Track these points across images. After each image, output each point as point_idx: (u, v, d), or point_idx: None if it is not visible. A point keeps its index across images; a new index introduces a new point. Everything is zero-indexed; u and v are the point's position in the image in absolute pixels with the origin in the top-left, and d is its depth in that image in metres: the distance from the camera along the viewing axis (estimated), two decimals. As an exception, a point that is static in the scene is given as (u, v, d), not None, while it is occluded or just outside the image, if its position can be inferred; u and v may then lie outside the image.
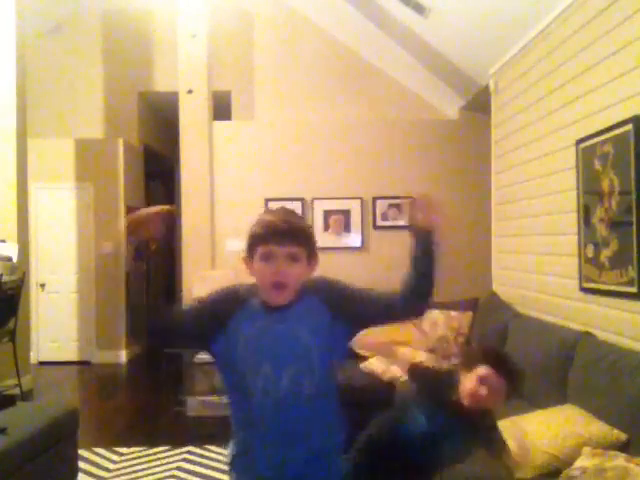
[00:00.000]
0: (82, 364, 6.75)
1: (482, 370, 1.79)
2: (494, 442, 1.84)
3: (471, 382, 1.79)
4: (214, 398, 4.69)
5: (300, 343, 1.42)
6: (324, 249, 5.68)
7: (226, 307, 1.46)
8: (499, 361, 1.83)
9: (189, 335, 1.53)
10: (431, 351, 4.25)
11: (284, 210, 1.47)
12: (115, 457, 3.84)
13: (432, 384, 1.91)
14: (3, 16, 5.33)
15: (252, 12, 6.39)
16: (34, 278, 6.50)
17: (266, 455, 1.45)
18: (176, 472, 3.58)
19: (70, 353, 6.81)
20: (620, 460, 1.92)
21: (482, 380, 1.78)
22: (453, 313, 4.49)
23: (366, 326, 1.56)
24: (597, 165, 2.94)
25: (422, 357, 4.05)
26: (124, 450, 3.94)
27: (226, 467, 3.54)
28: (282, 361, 1.41)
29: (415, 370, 2.01)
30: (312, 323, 1.44)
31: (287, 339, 1.42)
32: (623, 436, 2.24)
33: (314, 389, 1.42)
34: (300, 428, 1.43)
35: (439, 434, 1.76)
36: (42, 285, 6.77)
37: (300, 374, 1.41)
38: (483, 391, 1.76)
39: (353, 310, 1.47)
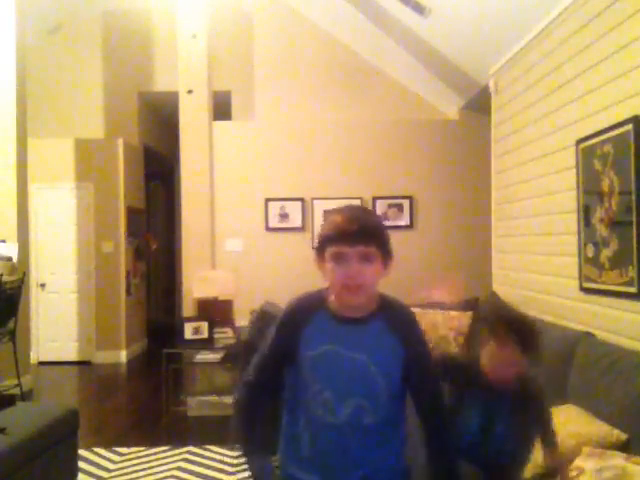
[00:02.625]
0: (82, 364, 6.75)
1: (489, 349, 1.74)
2: (547, 426, 1.77)
3: (484, 361, 1.75)
4: (214, 398, 4.69)
5: (367, 376, 1.34)
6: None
7: (294, 331, 1.38)
8: (506, 328, 1.73)
9: (279, 376, 1.44)
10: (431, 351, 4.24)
11: (354, 208, 1.39)
12: (115, 457, 3.84)
13: (464, 374, 1.82)
14: (3, 16, 5.33)
15: (252, 12, 6.39)
16: (34, 278, 6.50)
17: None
18: (176, 472, 3.58)
19: (70, 353, 6.81)
20: (619, 459, 1.92)
21: (492, 358, 1.73)
22: (453, 313, 4.48)
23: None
24: (597, 165, 2.94)
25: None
26: (124, 450, 3.95)
27: (227, 467, 3.52)
28: (345, 391, 1.34)
29: (445, 361, 1.87)
30: (384, 354, 1.35)
31: (354, 369, 1.34)
32: (623, 436, 2.24)
33: (376, 421, 1.35)
34: (354, 457, 1.35)
35: (490, 419, 1.73)
36: (42, 285, 6.77)
37: (362, 407, 1.34)
38: (499, 368, 1.71)
39: (417, 380, 1.40)
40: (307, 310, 1.40)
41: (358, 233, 1.29)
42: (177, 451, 3.91)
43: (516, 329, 1.72)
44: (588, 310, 3.07)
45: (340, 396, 1.34)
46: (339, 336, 1.36)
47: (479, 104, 5.27)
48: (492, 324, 1.77)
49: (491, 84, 4.64)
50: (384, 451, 1.39)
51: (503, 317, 1.80)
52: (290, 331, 1.40)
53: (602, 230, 2.89)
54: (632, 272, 2.62)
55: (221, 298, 5.02)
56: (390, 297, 1.44)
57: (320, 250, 1.35)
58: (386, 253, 1.35)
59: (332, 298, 1.38)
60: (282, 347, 1.41)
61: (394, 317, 1.39)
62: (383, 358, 1.35)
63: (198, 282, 5.14)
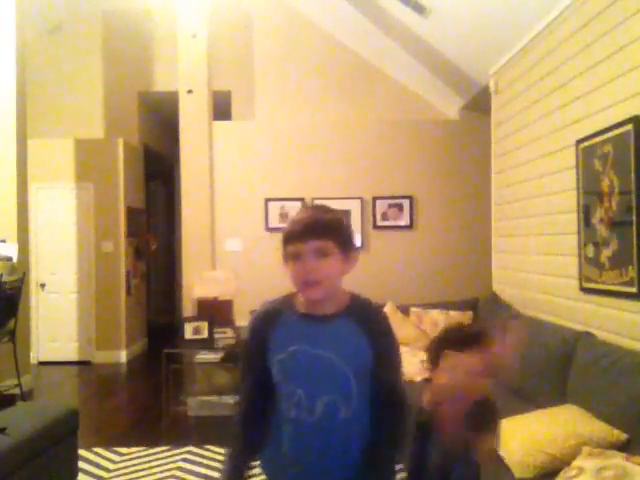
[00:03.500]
0: (82, 364, 6.75)
1: (445, 356, 1.44)
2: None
3: (440, 379, 1.44)
4: (214, 398, 4.69)
5: (337, 372, 1.36)
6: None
7: (262, 336, 1.42)
8: (455, 337, 1.47)
9: (269, 382, 1.45)
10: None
11: (310, 207, 1.44)
12: (115, 457, 3.84)
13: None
14: (3, 16, 5.33)
15: (252, 12, 6.39)
16: (34, 278, 6.50)
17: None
18: (176, 472, 3.58)
19: (70, 353, 6.81)
20: (618, 459, 1.92)
21: (448, 369, 1.43)
22: (453, 313, 4.49)
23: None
24: (597, 165, 2.94)
25: (422, 357, 4.05)
26: (124, 450, 3.94)
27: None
28: (317, 389, 1.37)
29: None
30: (352, 350, 1.37)
31: (324, 366, 1.36)
32: (623, 436, 2.24)
33: (350, 415, 1.37)
34: (334, 453, 1.38)
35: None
36: (42, 285, 6.77)
37: (336, 402, 1.37)
38: (458, 378, 1.41)
39: (378, 365, 1.40)
40: (272, 316, 1.44)
41: (310, 229, 1.33)
42: (177, 451, 3.91)
43: (469, 337, 1.46)
44: (588, 310, 3.07)
45: (313, 394, 1.36)
46: (307, 335, 1.38)
47: (479, 104, 5.27)
48: (446, 341, 1.48)
49: (491, 84, 4.64)
50: (358, 447, 1.40)
51: (454, 330, 1.54)
52: (258, 341, 1.43)
53: (602, 230, 2.89)
54: (632, 272, 2.62)
55: (221, 298, 5.02)
56: (361, 296, 1.46)
57: (284, 253, 1.38)
58: (346, 248, 1.37)
59: (299, 299, 1.42)
60: (256, 360, 1.44)
61: (362, 314, 1.41)
62: (351, 354, 1.37)
63: (198, 282, 5.14)
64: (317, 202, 5.79)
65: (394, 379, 1.46)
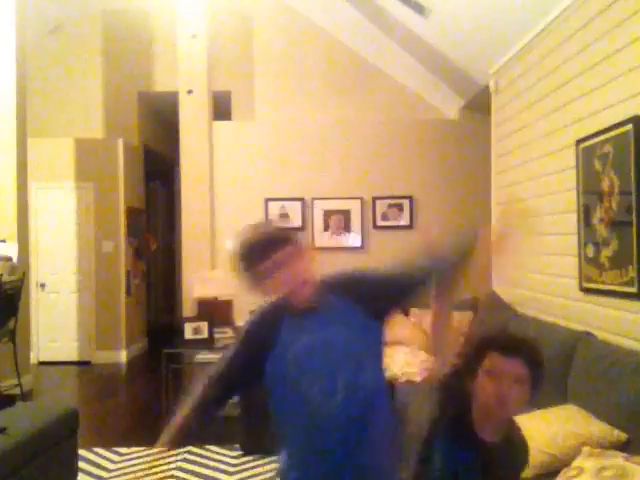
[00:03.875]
0: (82, 364, 6.75)
1: (491, 358, 1.40)
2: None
3: (482, 385, 1.39)
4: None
5: (345, 351, 1.44)
6: (324, 249, 5.74)
7: (269, 331, 1.49)
8: (506, 344, 1.42)
9: (245, 379, 1.56)
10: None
11: (248, 232, 1.50)
12: (115, 457, 3.84)
13: (456, 406, 1.48)
14: (3, 16, 5.33)
15: (252, 12, 6.39)
16: (34, 278, 6.50)
17: (326, 459, 1.44)
18: (176, 472, 3.58)
19: (70, 353, 6.81)
20: (618, 459, 1.92)
21: (491, 373, 1.39)
22: (453, 313, 4.48)
23: (392, 309, 1.56)
24: (597, 165, 2.94)
25: (422, 357, 4.05)
26: (124, 450, 3.94)
27: (227, 468, 3.53)
28: (334, 372, 1.43)
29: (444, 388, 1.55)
30: (348, 323, 1.46)
31: (332, 347, 1.44)
32: (623, 436, 2.24)
33: (369, 386, 1.44)
34: (356, 436, 1.43)
35: (459, 472, 1.44)
36: (42, 285, 6.77)
37: (353, 378, 1.42)
38: (502, 388, 1.36)
39: (374, 296, 1.48)
40: (274, 317, 1.51)
41: (266, 245, 1.43)
42: (177, 451, 3.91)
43: (523, 349, 1.42)
44: (588, 310, 3.07)
45: (331, 378, 1.42)
46: (306, 328, 1.46)
47: (479, 104, 5.27)
48: (484, 347, 1.45)
49: (491, 84, 4.64)
50: (381, 418, 1.47)
51: (507, 336, 1.52)
52: (254, 345, 1.51)
53: (602, 230, 2.89)
54: (632, 272, 2.62)
55: (221, 298, 5.02)
56: (327, 276, 1.54)
57: (248, 277, 1.46)
58: (295, 245, 1.48)
59: (288, 302, 1.49)
60: (246, 359, 1.52)
61: (335, 288, 1.50)
62: (348, 325, 1.45)
63: (198, 282, 5.13)
64: (316, 202, 5.81)
65: (386, 280, 1.55)
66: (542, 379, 1.43)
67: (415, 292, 1.56)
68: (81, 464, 3.46)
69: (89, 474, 3.54)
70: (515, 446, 1.47)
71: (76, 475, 3.28)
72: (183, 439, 1.61)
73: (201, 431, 1.55)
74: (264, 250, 1.43)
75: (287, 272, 1.42)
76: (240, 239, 1.49)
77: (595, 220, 2.96)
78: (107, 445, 4.02)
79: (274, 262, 1.41)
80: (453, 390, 1.51)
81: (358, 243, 5.82)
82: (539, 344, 1.47)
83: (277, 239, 1.46)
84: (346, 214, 5.83)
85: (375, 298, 1.48)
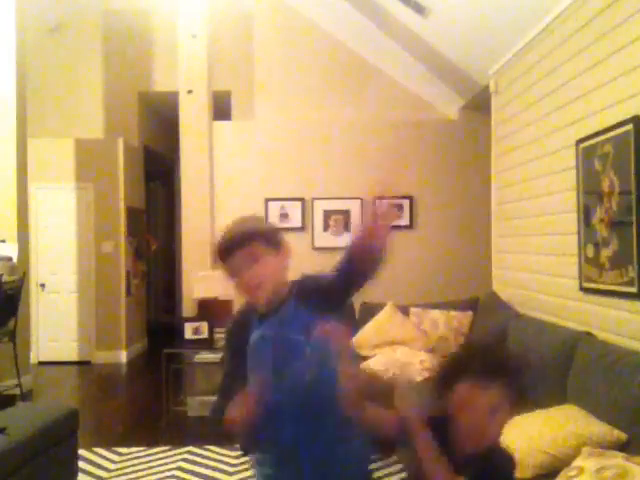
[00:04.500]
0: (82, 364, 6.75)
1: (460, 389, 1.24)
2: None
3: (455, 418, 1.26)
4: (214, 398, 4.69)
5: (292, 344, 1.44)
6: (324, 249, 5.74)
7: (244, 330, 1.52)
8: (474, 373, 1.23)
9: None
10: (431, 351, 4.25)
11: (229, 225, 1.51)
12: (115, 457, 3.84)
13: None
14: (3, 16, 5.33)
15: (252, 12, 6.38)
16: (34, 278, 6.50)
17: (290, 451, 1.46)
18: (176, 472, 3.58)
19: (70, 353, 6.81)
20: (619, 459, 1.92)
21: (464, 406, 1.23)
22: (453, 313, 4.48)
23: (328, 309, 1.44)
24: (597, 165, 2.94)
25: (422, 357, 4.05)
26: (124, 450, 3.94)
27: (227, 468, 3.53)
28: (282, 365, 1.44)
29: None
30: (301, 324, 1.44)
31: (288, 346, 1.44)
32: (623, 436, 2.24)
33: (321, 385, 1.43)
34: (315, 423, 1.44)
35: None
36: (42, 285, 6.77)
37: (299, 368, 1.44)
38: (477, 421, 1.22)
39: (314, 297, 1.46)
40: (246, 318, 1.53)
41: (233, 241, 1.43)
42: (177, 451, 3.91)
43: (500, 368, 1.24)
44: (588, 310, 3.07)
45: (280, 369, 1.43)
46: (268, 327, 1.47)
47: (479, 104, 5.27)
48: (471, 363, 1.26)
49: (491, 84, 4.64)
50: (335, 418, 1.43)
51: (483, 352, 1.30)
52: (240, 339, 1.51)
53: (602, 230, 2.89)
54: (632, 272, 2.62)
55: (221, 298, 5.02)
56: (297, 278, 1.53)
57: (225, 274, 1.48)
58: (273, 244, 1.46)
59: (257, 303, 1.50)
60: (238, 360, 1.52)
61: (298, 290, 1.49)
62: (301, 325, 1.43)
63: (198, 282, 5.13)
64: (316, 202, 5.80)
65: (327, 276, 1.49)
66: (524, 391, 1.26)
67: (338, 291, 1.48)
68: (81, 464, 3.47)
69: (89, 474, 3.54)
70: (499, 456, 1.31)
71: (76, 475, 3.28)
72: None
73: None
74: (233, 244, 1.43)
75: (249, 272, 1.42)
76: (224, 233, 1.50)
77: (595, 220, 2.96)
78: (107, 445, 4.02)
79: (240, 257, 1.42)
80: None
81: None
82: (511, 354, 1.28)
83: (248, 233, 1.45)
84: (346, 214, 5.83)
85: (322, 298, 1.45)
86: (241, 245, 1.43)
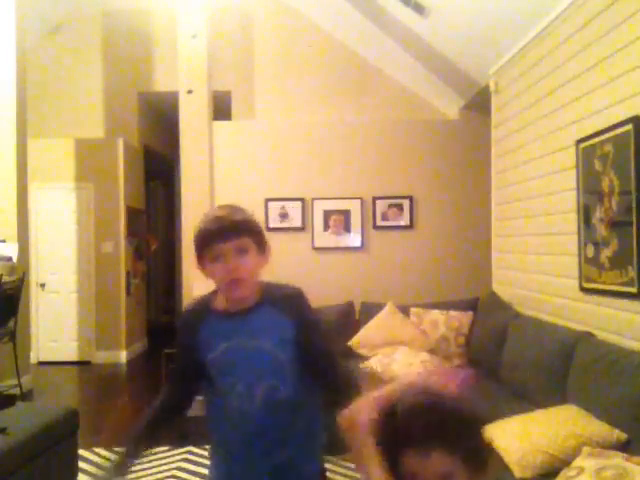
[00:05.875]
0: (82, 364, 6.74)
1: (406, 462, 1.01)
2: None
3: None
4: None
5: (271, 357, 1.39)
6: (324, 249, 5.75)
7: (190, 333, 1.46)
8: (414, 440, 1.00)
9: (199, 374, 1.49)
10: (431, 351, 4.25)
11: (218, 208, 1.47)
12: (115, 457, 3.83)
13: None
14: (3, 16, 5.32)
15: (252, 12, 6.39)
16: (34, 278, 6.50)
17: (241, 464, 1.44)
18: (176, 472, 3.58)
19: (70, 353, 6.81)
20: (618, 459, 1.92)
21: (413, 476, 1.00)
22: (453, 313, 4.48)
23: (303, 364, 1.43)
24: (597, 165, 2.94)
25: (422, 357, 4.05)
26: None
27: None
28: (256, 377, 1.40)
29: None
30: (278, 333, 1.40)
31: (257, 355, 1.40)
32: (623, 436, 2.24)
33: (289, 395, 1.41)
34: (276, 435, 1.42)
35: None
36: (42, 285, 6.77)
37: (274, 386, 1.40)
38: None
39: (308, 347, 1.42)
40: (196, 316, 1.47)
41: (229, 228, 1.36)
42: (177, 451, 3.90)
43: (427, 441, 1.00)
44: (588, 310, 3.07)
45: (252, 383, 1.40)
46: (234, 330, 1.41)
47: (479, 104, 5.27)
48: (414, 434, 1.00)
49: (491, 84, 4.64)
50: (300, 431, 1.44)
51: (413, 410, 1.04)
52: (188, 339, 1.47)
53: (602, 230, 2.89)
54: (632, 272, 2.62)
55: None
56: (273, 282, 1.49)
57: (199, 256, 1.42)
58: (260, 244, 1.41)
59: (219, 298, 1.45)
60: (187, 353, 1.50)
61: (278, 298, 1.44)
62: (278, 336, 1.40)
63: (198, 282, 5.13)
64: (316, 202, 5.81)
65: (325, 349, 1.48)
66: (479, 452, 1.04)
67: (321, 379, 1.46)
68: (81, 464, 3.46)
69: (89, 474, 3.54)
70: None
71: (76, 475, 3.28)
72: (149, 442, 1.54)
73: (168, 431, 1.55)
74: (228, 230, 1.36)
75: (236, 263, 1.35)
76: (206, 216, 1.45)
77: (595, 220, 2.96)
78: (107, 445, 4.02)
79: (232, 246, 1.35)
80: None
81: (358, 243, 5.82)
82: (454, 411, 1.04)
83: (245, 226, 1.39)
84: (346, 214, 5.83)
85: (307, 343, 1.42)
86: (237, 233, 1.36)
